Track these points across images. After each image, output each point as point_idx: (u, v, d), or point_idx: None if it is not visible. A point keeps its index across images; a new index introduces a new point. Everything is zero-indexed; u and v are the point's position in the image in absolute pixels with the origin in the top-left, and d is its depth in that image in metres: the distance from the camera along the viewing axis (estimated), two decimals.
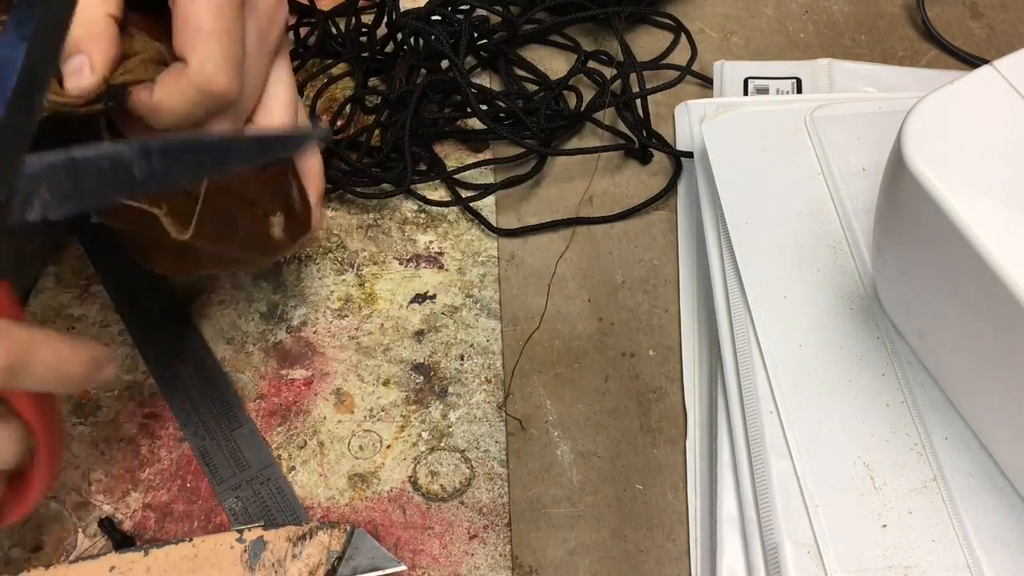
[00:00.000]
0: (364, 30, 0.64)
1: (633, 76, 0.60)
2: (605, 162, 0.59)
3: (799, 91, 0.61)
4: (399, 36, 0.63)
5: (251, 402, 0.50)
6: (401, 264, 0.55)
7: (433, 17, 0.62)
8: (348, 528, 0.42)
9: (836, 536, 0.40)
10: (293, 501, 0.47)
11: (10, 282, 0.36)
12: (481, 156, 0.60)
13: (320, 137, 0.42)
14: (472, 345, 0.52)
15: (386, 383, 0.51)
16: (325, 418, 0.50)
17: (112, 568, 0.42)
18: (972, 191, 0.37)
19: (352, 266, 0.55)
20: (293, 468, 0.48)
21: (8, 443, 0.36)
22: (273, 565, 0.41)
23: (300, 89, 0.62)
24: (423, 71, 0.62)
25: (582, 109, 0.60)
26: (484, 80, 0.64)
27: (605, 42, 0.65)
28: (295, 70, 0.63)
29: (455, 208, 0.58)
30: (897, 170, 0.39)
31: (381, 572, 0.42)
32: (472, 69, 0.64)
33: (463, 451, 0.48)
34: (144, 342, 0.52)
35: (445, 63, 0.61)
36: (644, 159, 0.59)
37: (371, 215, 0.57)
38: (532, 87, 0.63)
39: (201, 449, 0.48)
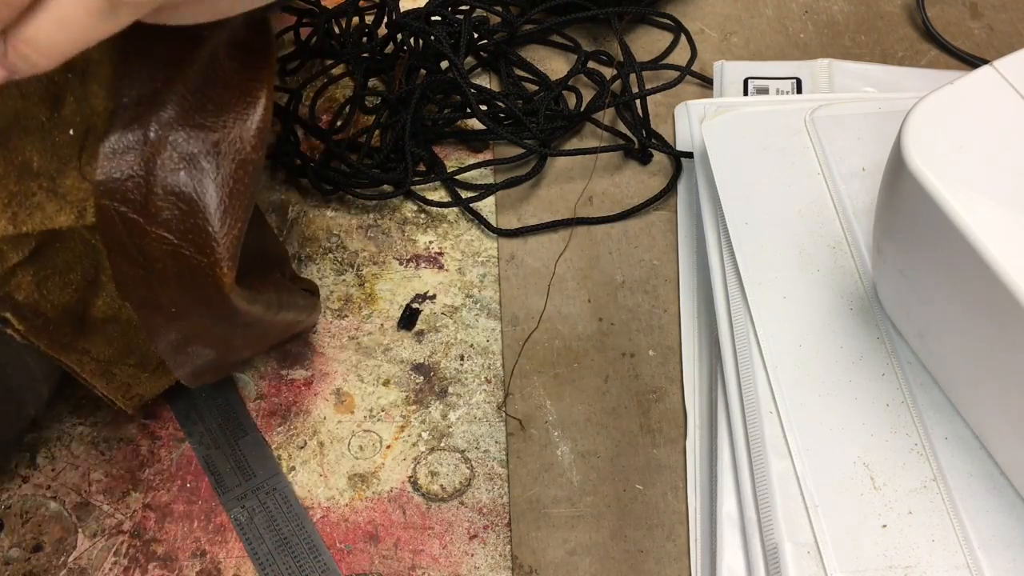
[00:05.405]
0: (365, 30, 0.64)
1: (633, 76, 0.60)
2: (605, 162, 0.59)
3: (799, 91, 0.61)
4: (399, 36, 0.63)
5: (251, 402, 0.50)
6: (401, 264, 0.55)
7: (433, 17, 0.62)
8: None
9: (836, 536, 0.40)
10: (300, 513, 0.46)
11: None
12: (481, 157, 0.60)
13: None
14: (472, 345, 0.52)
15: (386, 383, 0.51)
16: (325, 418, 0.50)
17: None
18: (972, 191, 0.37)
19: (352, 266, 0.55)
20: (293, 468, 0.48)
21: None
22: None
23: (299, 90, 0.62)
24: (423, 71, 0.62)
25: (582, 109, 0.60)
26: (484, 80, 0.64)
27: (605, 42, 0.65)
28: (295, 70, 0.64)
29: (455, 208, 0.58)
30: (897, 170, 0.39)
31: None
32: (472, 69, 0.64)
33: (463, 451, 0.48)
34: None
35: (445, 63, 0.61)
36: (644, 159, 0.59)
37: (371, 215, 0.57)
38: (532, 87, 0.63)
39: (207, 458, 0.48)
